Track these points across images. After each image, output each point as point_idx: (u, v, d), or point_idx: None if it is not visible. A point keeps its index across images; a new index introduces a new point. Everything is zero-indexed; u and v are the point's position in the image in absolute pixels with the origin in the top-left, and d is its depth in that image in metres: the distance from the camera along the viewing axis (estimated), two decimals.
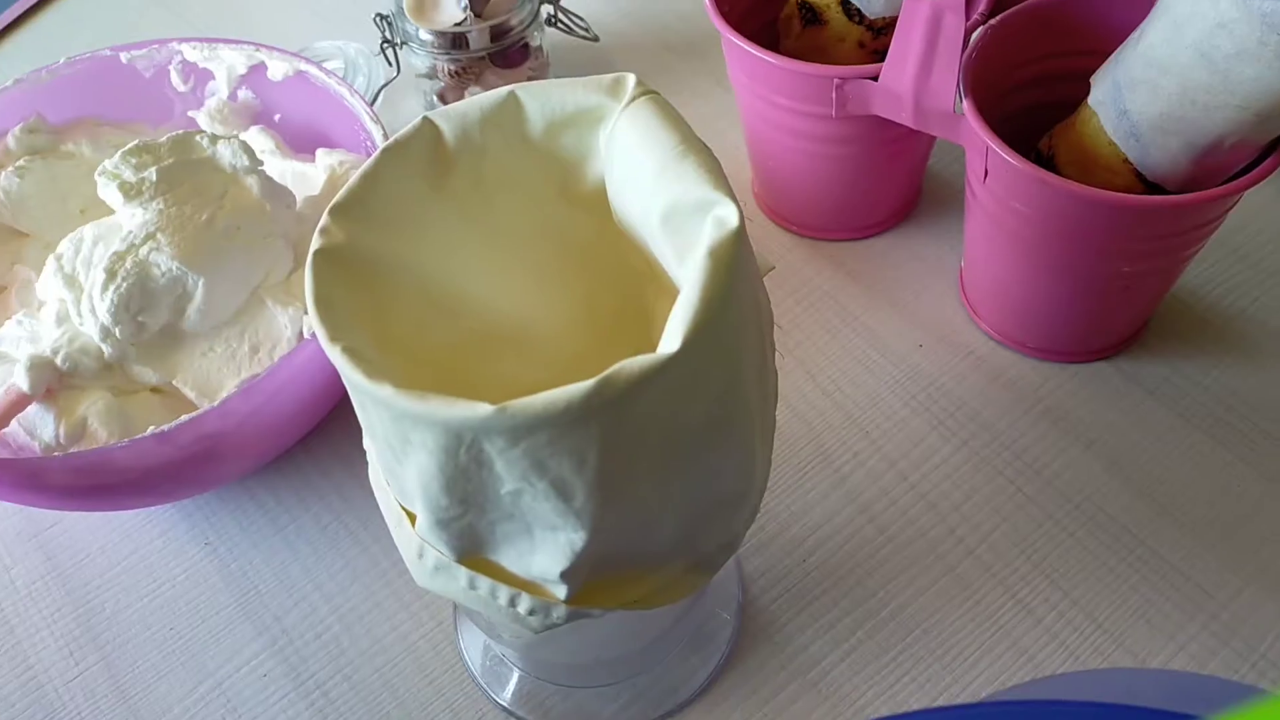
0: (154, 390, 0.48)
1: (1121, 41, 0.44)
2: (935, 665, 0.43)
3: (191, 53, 0.57)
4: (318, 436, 0.52)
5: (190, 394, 0.47)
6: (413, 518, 0.30)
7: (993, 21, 0.47)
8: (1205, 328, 0.53)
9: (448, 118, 0.30)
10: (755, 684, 0.43)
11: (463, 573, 0.29)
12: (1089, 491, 0.47)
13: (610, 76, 0.29)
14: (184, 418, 0.42)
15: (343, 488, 0.50)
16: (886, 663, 0.43)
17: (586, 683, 0.43)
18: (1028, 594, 0.45)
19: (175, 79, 0.57)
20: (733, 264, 0.25)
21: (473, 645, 0.45)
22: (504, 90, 0.30)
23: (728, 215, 0.26)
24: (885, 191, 0.57)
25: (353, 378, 0.25)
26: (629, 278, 0.33)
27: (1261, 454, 0.48)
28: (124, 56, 0.56)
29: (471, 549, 0.29)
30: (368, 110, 0.52)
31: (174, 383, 0.47)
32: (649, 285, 0.32)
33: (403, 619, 0.46)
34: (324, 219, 0.28)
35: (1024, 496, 0.47)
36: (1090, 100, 0.45)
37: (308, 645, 0.46)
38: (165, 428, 0.41)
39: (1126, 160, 0.44)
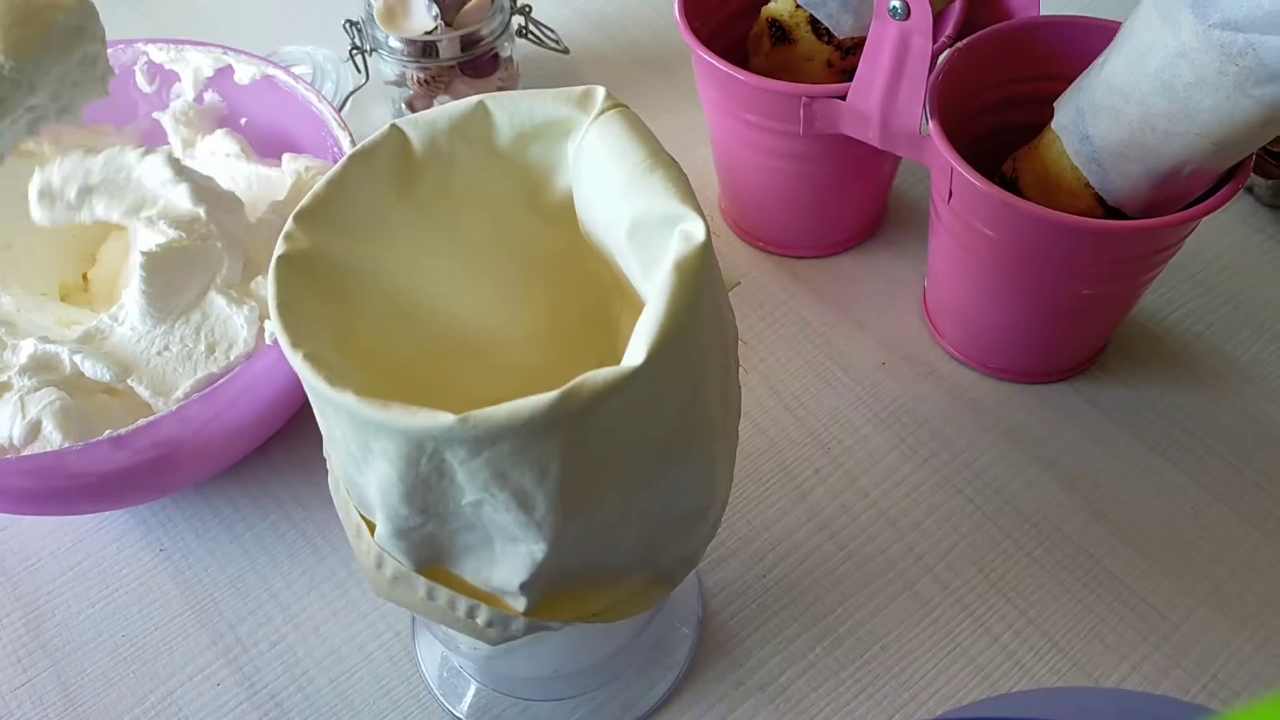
0: (108, 391, 0.47)
1: (1085, 68, 0.44)
2: (892, 682, 0.43)
3: (158, 54, 0.56)
4: (277, 443, 0.51)
5: (144, 394, 0.46)
6: (372, 527, 0.30)
7: (959, 45, 0.48)
8: (1162, 351, 0.54)
9: (416, 126, 0.30)
10: (713, 698, 0.43)
11: (421, 583, 0.29)
12: (1046, 511, 0.48)
13: (580, 89, 0.29)
14: (141, 422, 0.41)
15: (301, 496, 0.50)
16: (844, 679, 0.44)
17: (544, 696, 0.43)
18: (985, 612, 0.45)
19: (141, 80, 0.57)
20: (698, 278, 0.25)
21: (430, 657, 0.45)
22: (473, 100, 0.30)
23: (694, 230, 0.26)
24: (851, 210, 0.57)
25: (315, 385, 0.25)
26: (595, 289, 0.33)
27: (1214, 477, 0.49)
28: None
29: (431, 559, 0.29)
30: (335, 116, 0.51)
31: (128, 382, 0.46)
32: (615, 297, 0.32)
33: (359, 629, 0.46)
34: (289, 224, 0.28)
35: (983, 515, 0.48)
36: (1054, 124, 0.45)
37: (262, 655, 0.45)
38: (122, 432, 0.41)
39: (1088, 184, 0.44)
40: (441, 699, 0.44)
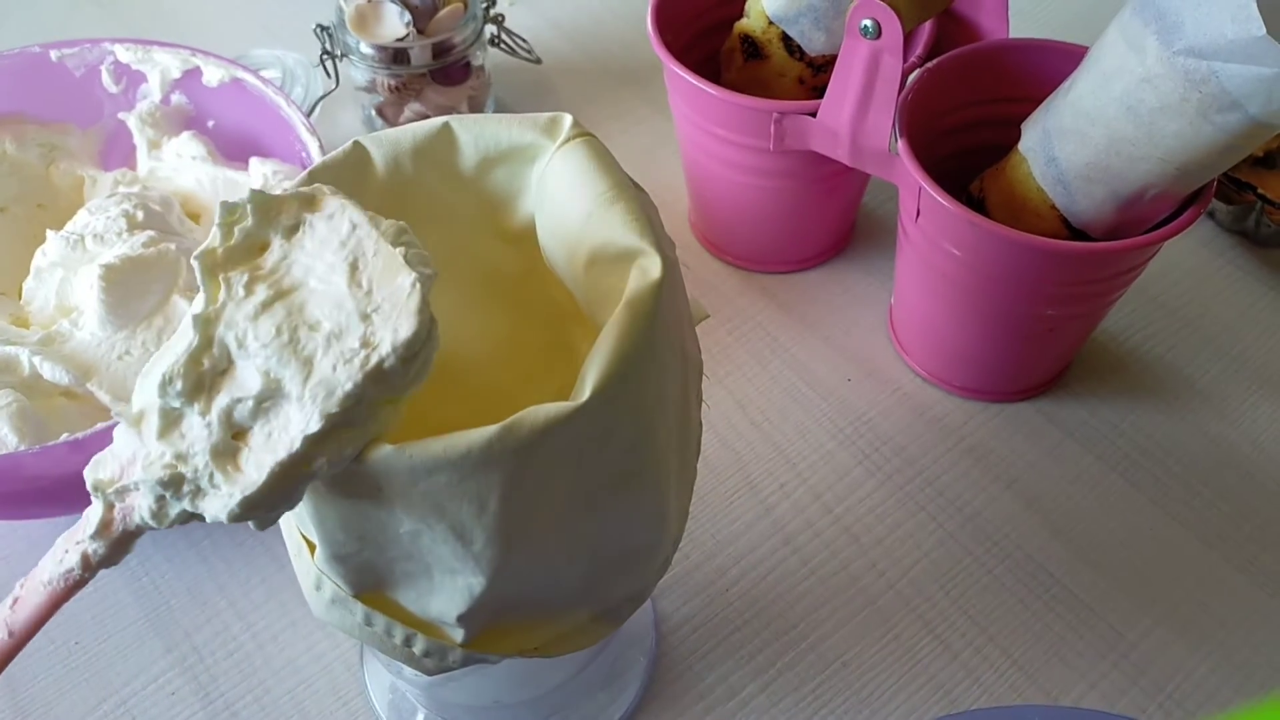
0: (67, 395, 0.46)
1: (1053, 90, 0.45)
2: (853, 699, 0.43)
3: (125, 53, 0.55)
4: None
5: (105, 398, 0.46)
6: (312, 547, 0.29)
7: (929, 65, 0.48)
8: (1124, 372, 0.54)
9: (379, 143, 0.30)
10: (673, 713, 0.43)
11: (359, 608, 0.28)
12: (1008, 530, 0.48)
13: (547, 115, 0.29)
14: (99, 425, 0.41)
15: None
16: (805, 695, 0.44)
17: None
18: (946, 629, 0.45)
19: (107, 79, 0.56)
20: (651, 316, 0.25)
21: (377, 680, 0.44)
22: (438, 120, 0.29)
23: (650, 266, 0.26)
24: (819, 226, 0.57)
25: None
26: (556, 315, 0.32)
27: (1173, 497, 0.49)
28: (54, 54, 0.55)
29: (370, 585, 0.28)
30: (304, 121, 0.51)
31: (88, 386, 0.46)
32: (575, 325, 0.32)
33: (318, 638, 0.45)
34: None
35: (945, 532, 0.48)
36: (1021, 146, 0.46)
37: (218, 664, 0.45)
38: (79, 435, 0.40)
39: (1054, 206, 0.45)
40: None
